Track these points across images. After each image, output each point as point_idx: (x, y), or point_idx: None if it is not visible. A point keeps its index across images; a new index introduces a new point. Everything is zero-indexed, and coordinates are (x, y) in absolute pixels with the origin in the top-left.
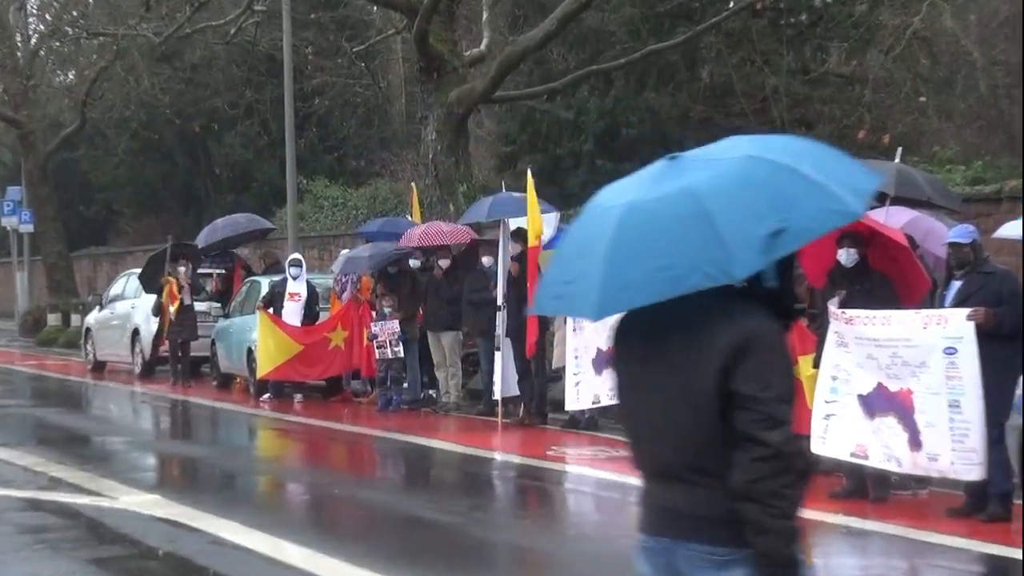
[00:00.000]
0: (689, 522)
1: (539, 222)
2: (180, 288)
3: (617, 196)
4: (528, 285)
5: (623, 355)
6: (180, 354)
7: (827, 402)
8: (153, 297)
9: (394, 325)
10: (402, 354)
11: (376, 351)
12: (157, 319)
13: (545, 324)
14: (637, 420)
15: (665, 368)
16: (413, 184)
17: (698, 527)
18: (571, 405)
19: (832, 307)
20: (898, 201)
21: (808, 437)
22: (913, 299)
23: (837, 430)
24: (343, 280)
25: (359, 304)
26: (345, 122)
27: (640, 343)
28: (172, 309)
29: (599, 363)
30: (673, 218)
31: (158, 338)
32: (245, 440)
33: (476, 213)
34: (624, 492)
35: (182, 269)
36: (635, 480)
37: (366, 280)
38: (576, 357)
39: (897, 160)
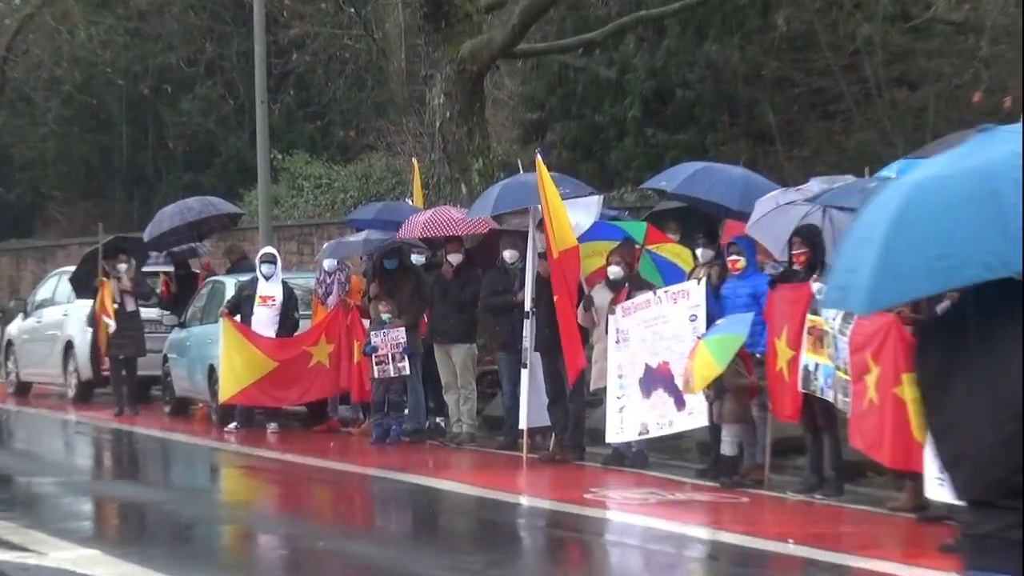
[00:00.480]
0: (1000, 550)
1: (564, 221)
2: (122, 292)
3: (914, 173)
4: (555, 296)
5: (928, 362)
6: (125, 373)
7: None
8: (90, 303)
9: (398, 335)
10: (407, 371)
11: (374, 368)
12: (93, 330)
13: (583, 336)
14: (946, 438)
15: (973, 374)
16: (415, 160)
17: (1008, 556)
18: (613, 437)
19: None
20: None
21: (921, 476)
22: None
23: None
24: (328, 280)
25: (348, 310)
26: (331, 83)
27: (946, 347)
28: (107, 319)
29: (648, 383)
30: (959, 199)
31: (96, 354)
32: (206, 481)
33: (480, 208)
34: (679, 544)
35: (122, 267)
36: (692, 530)
37: (356, 280)
38: (620, 376)
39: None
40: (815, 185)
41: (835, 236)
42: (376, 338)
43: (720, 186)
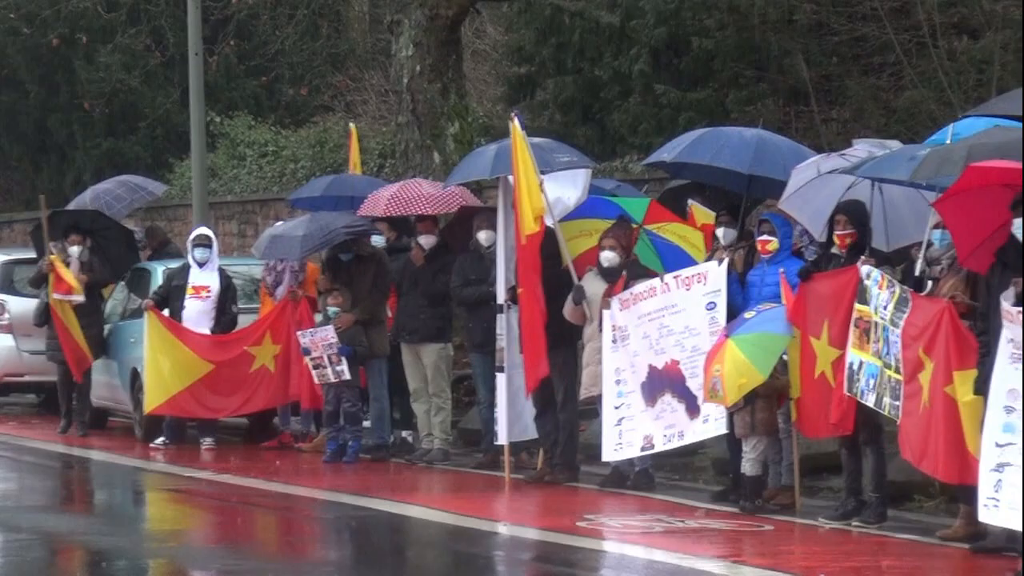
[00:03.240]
0: None
1: (536, 201)
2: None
3: None
4: (529, 283)
5: None
6: (71, 383)
7: (998, 445)
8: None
9: (327, 333)
10: (347, 375)
11: (312, 373)
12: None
13: (569, 333)
14: None
15: None
16: (352, 125)
17: None
18: (611, 454)
19: (1005, 304)
20: None
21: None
22: None
23: (1010, 493)
24: (279, 268)
25: (298, 304)
26: (278, 30)
27: None
28: (71, 298)
29: (652, 387)
30: None
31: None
32: (128, 506)
33: (472, 168)
34: None
35: (75, 250)
36: (705, 564)
37: (312, 269)
38: (618, 381)
39: None
40: (861, 149)
41: (887, 215)
42: (304, 338)
43: (727, 150)
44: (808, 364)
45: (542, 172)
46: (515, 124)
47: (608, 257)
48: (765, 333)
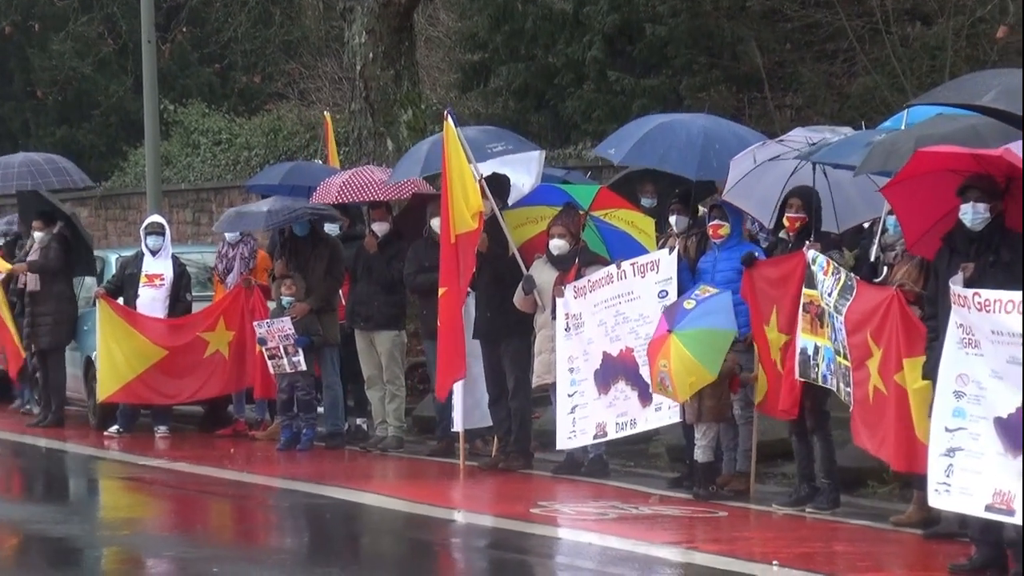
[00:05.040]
0: None
1: (470, 197)
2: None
3: None
4: (453, 283)
5: None
6: (41, 372)
7: (948, 430)
8: None
9: (284, 324)
10: (303, 366)
11: (268, 363)
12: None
13: (522, 321)
14: None
15: None
16: (327, 113)
17: None
18: (565, 442)
19: (954, 287)
20: None
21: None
22: None
23: (962, 478)
24: (230, 255)
25: (251, 291)
26: (231, 18)
27: None
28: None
29: (606, 375)
30: None
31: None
32: (82, 495)
33: (408, 167)
34: (642, 567)
35: (38, 235)
36: (658, 550)
37: (263, 256)
38: (571, 370)
39: None
40: (798, 134)
41: (834, 197)
42: (261, 328)
43: (674, 152)
44: (763, 351)
45: (479, 161)
46: (448, 121)
47: (558, 245)
48: (710, 329)
